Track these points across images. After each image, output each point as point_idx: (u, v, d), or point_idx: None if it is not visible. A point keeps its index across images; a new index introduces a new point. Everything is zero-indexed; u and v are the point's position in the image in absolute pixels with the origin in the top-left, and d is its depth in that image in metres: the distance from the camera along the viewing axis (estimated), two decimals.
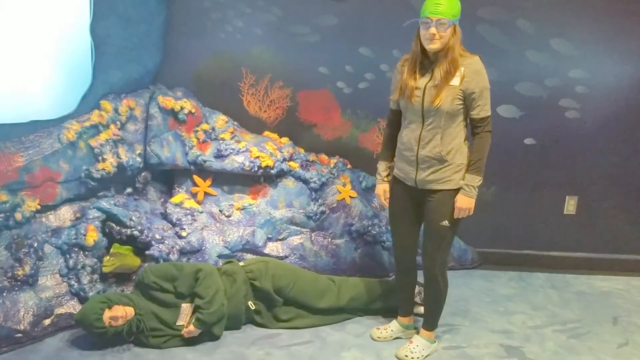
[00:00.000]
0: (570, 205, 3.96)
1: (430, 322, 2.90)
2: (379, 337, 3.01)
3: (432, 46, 2.49)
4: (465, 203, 2.62)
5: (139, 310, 2.87)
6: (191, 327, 2.88)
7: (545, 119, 3.78)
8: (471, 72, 2.52)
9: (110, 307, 2.79)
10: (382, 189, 2.90)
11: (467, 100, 2.56)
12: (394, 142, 2.81)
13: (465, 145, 2.65)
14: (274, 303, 3.11)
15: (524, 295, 3.62)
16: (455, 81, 2.52)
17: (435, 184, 2.64)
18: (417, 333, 2.95)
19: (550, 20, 3.61)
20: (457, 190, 2.64)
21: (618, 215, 3.97)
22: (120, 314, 2.79)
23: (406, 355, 2.84)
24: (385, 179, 2.89)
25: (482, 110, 2.56)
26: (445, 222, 2.66)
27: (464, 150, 2.64)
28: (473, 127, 2.62)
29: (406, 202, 2.79)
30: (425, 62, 2.58)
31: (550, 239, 4.01)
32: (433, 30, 2.46)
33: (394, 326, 3.04)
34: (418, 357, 2.83)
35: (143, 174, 3.56)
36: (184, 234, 3.38)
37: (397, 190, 2.82)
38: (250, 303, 3.08)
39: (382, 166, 2.90)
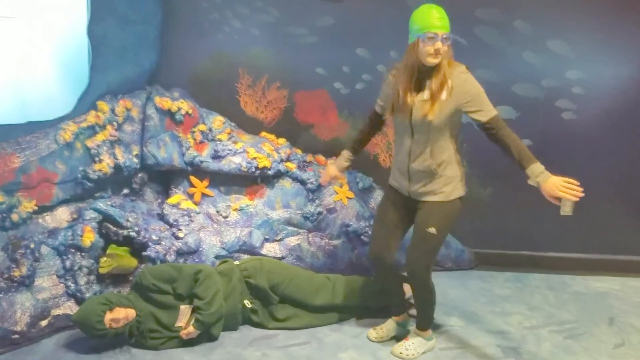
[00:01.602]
0: (567, 206, 3.95)
1: (422, 322, 2.90)
2: (375, 338, 3.01)
3: (435, 60, 2.46)
4: (549, 188, 2.40)
5: (139, 312, 2.87)
6: (190, 328, 2.88)
7: (541, 120, 3.79)
8: (459, 83, 2.48)
9: (111, 309, 2.77)
10: (337, 167, 3.00)
11: (458, 112, 2.52)
12: (365, 138, 2.95)
13: (457, 157, 2.64)
14: (270, 301, 3.11)
15: (521, 296, 3.62)
16: (443, 95, 2.48)
17: (427, 195, 2.65)
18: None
19: (547, 21, 3.61)
20: (447, 202, 2.63)
21: (615, 216, 3.97)
22: (121, 315, 2.78)
23: (401, 353, 2.85)
24: (345, 163, 2.95)
25: (486, 112, 2.49)
26: (432, 230, 2.62)
27: (455, 162, 2.63)
28: (487, 131, 2.51)
29: (398, 208, 2.78)
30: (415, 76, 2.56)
31: (547, 239, 4.01)
32: (439, 45, 2.43)
33: (389, 325, 3.04)
34: (413, 354, 2.84)
35: (140, 174, 3.56)
36: (180, 234, 3.38)
37: (392, 197, 2.81)
38: (246, 301, 3.08)
39: (346, 153, 2.97)
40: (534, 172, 2.45)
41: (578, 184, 2.38)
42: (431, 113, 2.49)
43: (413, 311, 3.09)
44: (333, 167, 3.02)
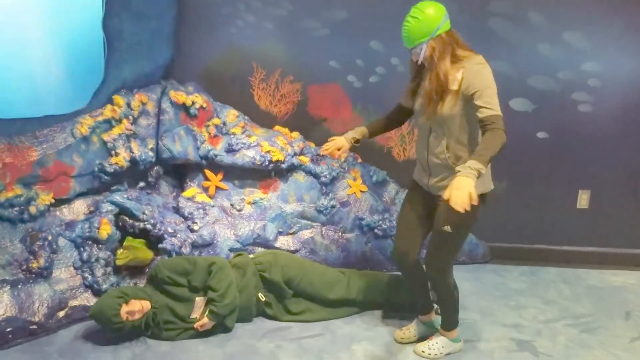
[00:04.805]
0: (583, 200, 3.94)
1: (445, 322, 2.83)
2: (402, 339, 2.94)
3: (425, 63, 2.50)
4: (457, 182, 2.12)
5: (154, 304, 2.90)
6: (205, 320, 2.91)
7: (557, 113, 3.76)
8: (470, 74, 2.38)
9: (127, 302, 2.80)
10: (346, 138, 2.78)
11: (469, 103, 2.40)
12: (382, 123, 2.84)
13: None
14: (284, 294, 3.13)
15: (535, 289, 3.60)
16: (455, 85, 2.41)
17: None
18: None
19: (563, 12, 3.58)
20: None
21: (631, 210, 3.94)
22: (137, 308, 2.81)
23: (423, 351, 2.80)
24: (356, 135, 2.78)
25: (485, 109, 2.33)
26: (447, 228, 2.52)
27: None
28: (480, 127, 2.38)
29: (420, 206, 2.71)
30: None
31: (562, 233, 3.99)
32: (413, 57, 2.49)
33: (415, 325, 2.97)
34: (436, 354, 2.79)
35: (155, 168, 3.58)
36: (195, 227, 3.40)
37: (414, 193, 2.76)
38: (260, 295, 3.10)
39: (362, 128, 2.81)
40: (469, 163, 2.19)
41: (474, 204, 2.10)
42: (430, 111, 2.46)
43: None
44: (342, 138, 2.80)
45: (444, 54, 2.41)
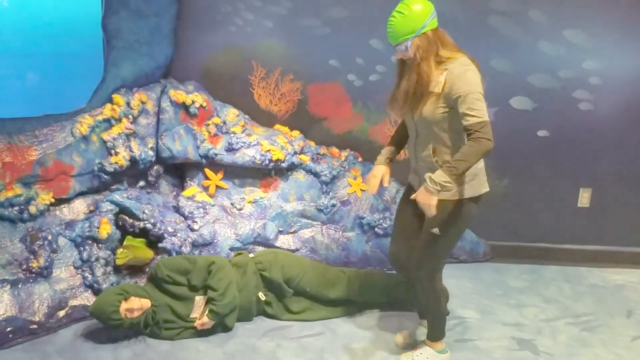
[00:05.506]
0: (584, 198, 3.93)
1: (431, 332, 2.71)
2: (402, 343, 2.88)
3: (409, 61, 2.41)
4: (420, 196, 2.31)
5: (154, 302, 2.90)
6: (205, 319, 2.91)
7: (558, 111, 3.75)
8: (453, 78, 2.28)
9: (126, 299, 2.81)
10: (379, 170, 2.66)
11: (452, 106, 2.32)
12: (403, 135, 2.69)
13: None
14: (284, 294, 3.12)
15: (536, 288, 3.60)
16: (437, 88, 2.32)
17: None
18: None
19: (564, 10, 3.57)
20: (455, 201, 2.45)
21: (633, 208, 3.93)
22: (136, 305, 2.81)
23: None
24: (385, 161, 2.67)
25: (469, 116, 2.24)
26: (435, 230, 2.46)
27: None
28: (466, 134, 2.31)
29: (414, 208, 2.59)
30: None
31: (563, 231, 3.98)
32: (397, 55, 2.40)
33: (417, 330, 2.94)
34: None
35: (155, 167, 3.58)
36: (196, 226, 3.40)
37: (408, 195, 2.69)
38: (260, 294, 3.10)
39: (384, 149, 2.71)
40: (435, 174, 2.27)
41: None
42: (417, 110, 2.38)
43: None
44: (379, 167, 2.68)
45: (428, 53, 2.32)
